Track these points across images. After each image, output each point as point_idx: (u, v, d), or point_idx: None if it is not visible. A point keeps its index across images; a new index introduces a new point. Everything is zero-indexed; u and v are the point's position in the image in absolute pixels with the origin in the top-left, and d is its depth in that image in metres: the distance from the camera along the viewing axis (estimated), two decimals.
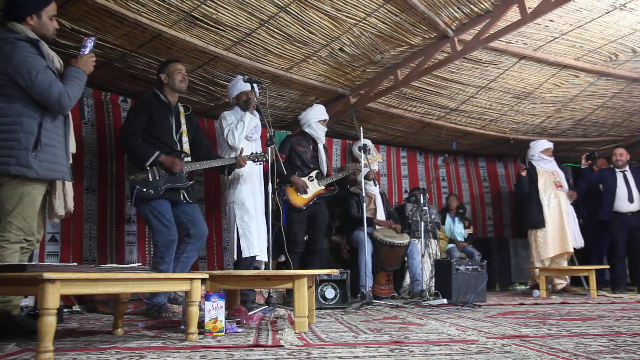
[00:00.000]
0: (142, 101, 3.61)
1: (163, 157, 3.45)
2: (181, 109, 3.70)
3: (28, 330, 2.35)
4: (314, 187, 4.72)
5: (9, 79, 2.39)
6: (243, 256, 3.91)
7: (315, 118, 4.80)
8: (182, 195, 3.57)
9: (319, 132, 4.79)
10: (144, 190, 3.38)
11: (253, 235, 3.96)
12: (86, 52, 2.67)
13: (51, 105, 2.47)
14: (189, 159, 3.64)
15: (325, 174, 4.87)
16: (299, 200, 4.61)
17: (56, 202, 2.69)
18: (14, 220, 2.40)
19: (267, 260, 4.01)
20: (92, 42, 2.71)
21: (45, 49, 2.53)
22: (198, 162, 3.69)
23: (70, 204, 2.79)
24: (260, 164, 4.08)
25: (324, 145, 4.96)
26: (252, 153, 3.93)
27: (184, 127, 3.65)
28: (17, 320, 2.43)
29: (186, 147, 3.65)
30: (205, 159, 3.77)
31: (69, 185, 2.76)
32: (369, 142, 6.07)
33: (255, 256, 3.96)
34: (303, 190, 4.62)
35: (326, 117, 4.88)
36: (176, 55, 4.00)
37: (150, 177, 3.43)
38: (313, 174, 4.77)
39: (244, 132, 4.00)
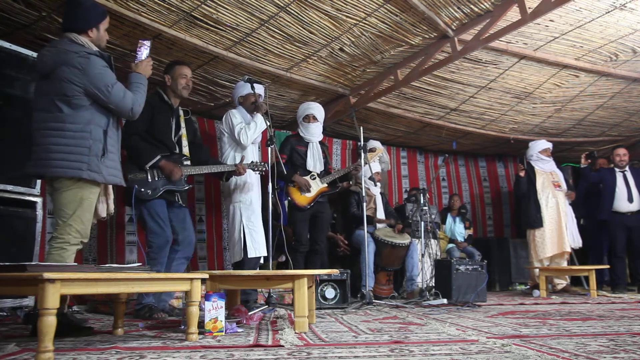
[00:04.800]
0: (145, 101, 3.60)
1: (163, 163, 3.41)
2: (181, 112, 3.66)
3: (79, 327, 2.48)
4: (317, 185, 4.68)
5: (83, 90, 2.49)
6: (249, 256, 3.87)
7: (299, 119, 4.75)
8: (177, 197, 3.52)
9: (305, 132, 4.69)
10: (142, 190, 3.31)
11: (259, 235, 3.95)
12: (143, 57, 2.78)
13: (124, 113, 2.64)
14: (188, 162, 3.60)
15: (321, 172, 4.81)
16: (302, 199, 4.55)
17: (100, 205, 2.78)
18: (74, 224, 2.49)
19: (266, 260, 4.00)
20: (148, 47, 2.80)
21: (111, 62, 2.65)
22: (198, 167, 3.65)
23: (112, 206, 2.84)
24: (259, 173, 4.04)
25: (323, 143, 4.86)
26: (252, 162, 3.90)
27: (183, 131, 3.61)
28: (69, 317, 2.51)
29: (185, 150, 3.61)
30: (205, 162, 3.74)
31: (110, 189, 2.81)
32: (376, 143, 6.01)
33: (260, 257, 3.95)
34: (306, 189, 4.58)
35: (310, 112, 4.69)
36: (183, 59, 3.97)
37: (149, 177, 3.37)
38: (315, 172, 4.74)
39: (255, 132, 3.99)
